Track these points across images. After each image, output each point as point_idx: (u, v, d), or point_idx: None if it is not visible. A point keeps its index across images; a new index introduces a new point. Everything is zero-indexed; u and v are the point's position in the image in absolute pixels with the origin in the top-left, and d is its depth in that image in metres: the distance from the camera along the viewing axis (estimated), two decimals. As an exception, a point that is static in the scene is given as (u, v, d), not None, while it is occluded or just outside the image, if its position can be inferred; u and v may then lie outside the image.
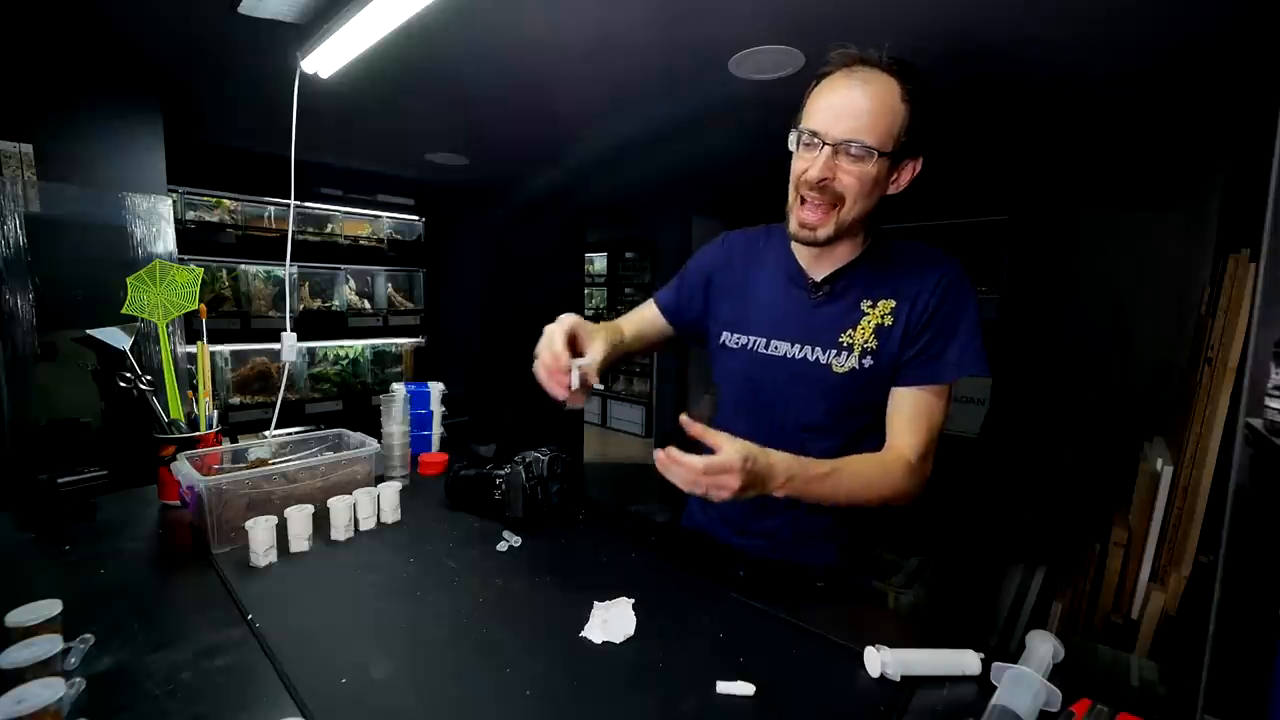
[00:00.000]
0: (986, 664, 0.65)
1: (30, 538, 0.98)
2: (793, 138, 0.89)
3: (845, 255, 0.97)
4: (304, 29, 1.38)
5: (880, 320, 0.93)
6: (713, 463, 0.75)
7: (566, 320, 0.90)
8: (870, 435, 0.97)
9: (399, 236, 3.24)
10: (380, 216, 3.14)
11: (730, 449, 0.76)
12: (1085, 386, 3.01)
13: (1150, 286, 2.83)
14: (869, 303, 0.94)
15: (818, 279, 0.97)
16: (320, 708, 0.58)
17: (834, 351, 0.94)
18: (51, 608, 0.64)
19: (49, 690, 0.52)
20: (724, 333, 1.05)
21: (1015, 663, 0.62)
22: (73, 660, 0.64)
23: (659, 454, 0.78)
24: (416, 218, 3.28)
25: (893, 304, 0.93)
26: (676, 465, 0.76)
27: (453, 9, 1.25)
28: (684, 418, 0.79)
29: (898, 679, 0.64)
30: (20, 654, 0.56)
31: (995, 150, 2.38)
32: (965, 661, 0.65)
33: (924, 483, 0.91)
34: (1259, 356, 1.01)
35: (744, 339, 1.02)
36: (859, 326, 0.94)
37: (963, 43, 1.45)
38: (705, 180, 3.21)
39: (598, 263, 5.89)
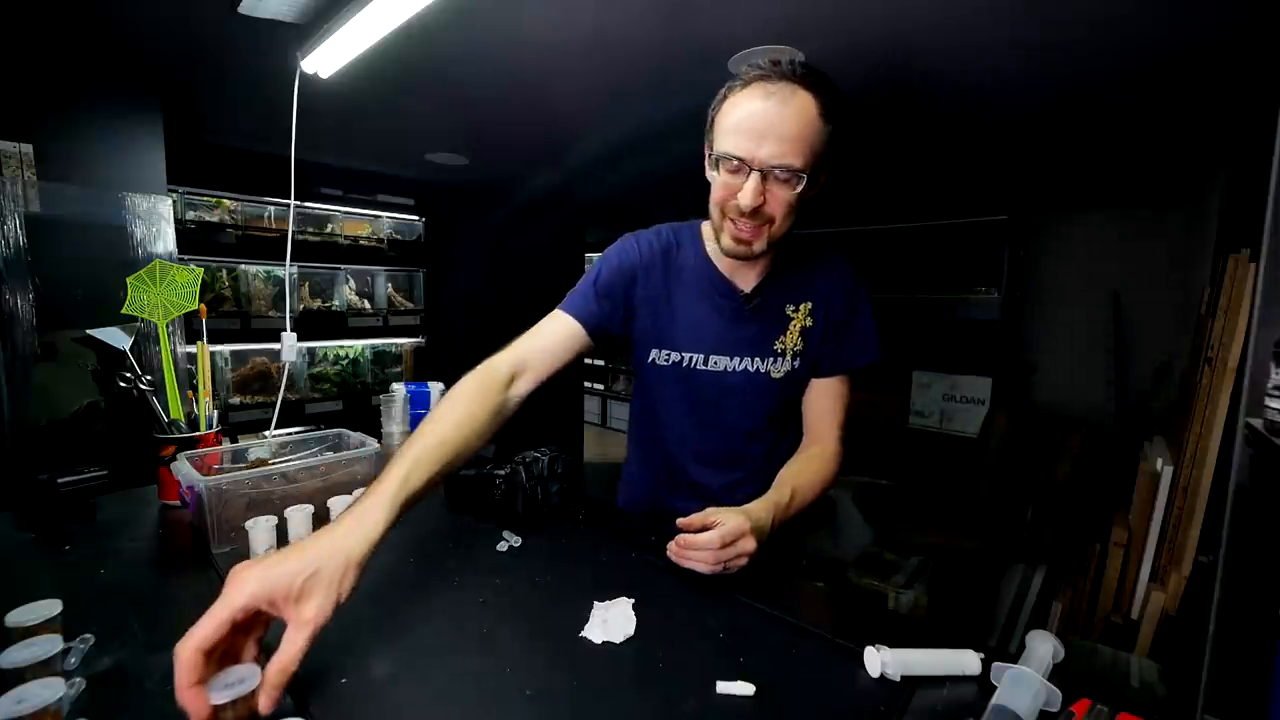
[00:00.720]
0: (986, 664, 0.65)
1: (30, 538, 0.98)
2: (710, 161, 0.87)
3: (766, 263, 0.98)
4: (304, 29, 1.38)
5: (803, 323, 0.99)
6: (727, 531, 0.76)
7: (244, 589, 0.53)
8: (791, 426, 1.06)
9: (399, 236, 3.24)
10: (380, 216, 3.14)
11: (732, 517, 0.78)
12: (1085, 386, 3.01)
13: (1150, 286, 2.83)
14: (792, 308, 0.99)
15: (746, 290, 0.98)
16: (320, 708, 0.58)
17: (771, 359, 0.99)
18: (51, 608, 0.64)
19: (49, 690, 0.51)
20: (652, 350, 1.02)
21: (1015, 663, 0.62)
22: (73, 660, 0.64)
23: (671, 547, 0.80)
24: (416, 218, 3.28)
25: (810, 305, 0.99)
26: (693, 549, 0.78)
27: (453, 9, 1.25)
28: (681, 521, 0.81)
29: (898, 679, 0.64)
30: (20, 654, 0.56)
31: (995, 150, 2.38)
32: (965, 661, 0.65)
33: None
34: (1259, 356, 1.01)
35: (675, 355, 1.00)
36: (788, 332, 0.99)
37: (961, 44, 1.45)
38: (704, 180, 3.21)
39: (598, 263, 5.89)
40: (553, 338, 0.97)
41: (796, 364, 0.99)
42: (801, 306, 0.99)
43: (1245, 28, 1.31)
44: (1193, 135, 2.08)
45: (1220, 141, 2.12)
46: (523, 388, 0.93)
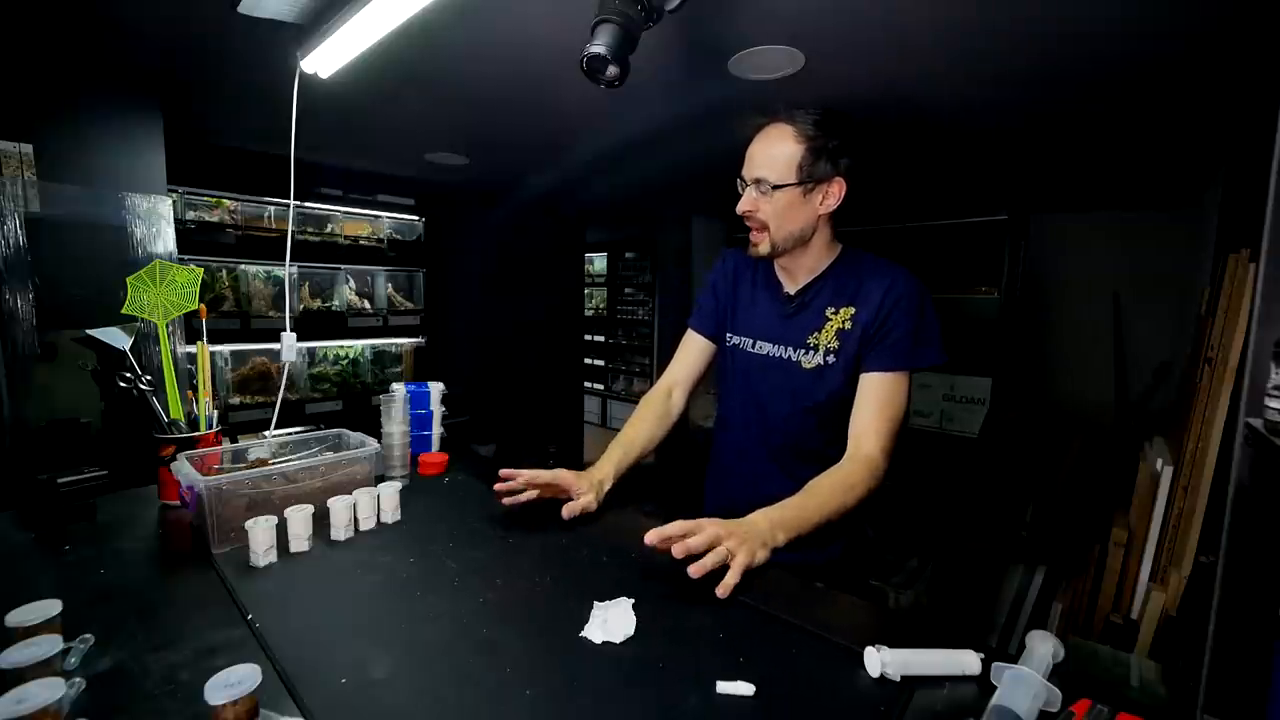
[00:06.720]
0: (986, 664, 0.65)
1: (30, 538, 0.98)
2: (738, 184, 1.13)
3: (813, 268, 1.14)
4: (304, 29, 1.38)
5: (841, 325, 1.10)
6: (690, 523, 0.84)
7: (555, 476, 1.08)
8: (835, 419, 1.11)
9: (399, 236, 3.23)
10: (380, 216, 3.14)
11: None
12: (1085, 386, 3.01)
13: (1150, 286, 2.83)
14: (832, 310, 1.11)
15: (791, 292, 1.16)
16: (320, 708, 0.58)
17: (803, 350, 1.12)
18: (51, 608, 0.64)
19: (49, 690, 0.51)
20: (729, 334, 1.23)
21: (1015, 663, 0.62)
22: (73, 660, 0.64)
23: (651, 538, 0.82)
24: (416, 218, 3.28)
25: (852, 310, 1.09)
26: (661, 533, 0.82)
27: (453, 9, 1.25)
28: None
29: (898, 679, 0.64)
30: (20, 654, 0.56)
31: (995, 151, 2.38)
32: (965, 661, 0.65)
33: (884, 474, 1.03)
34: (1259, 356, 1.01)
35: (738, 339, 1.22)
36: (823, 330, 1.11)
37: (961, 42, 1.45)
38: (705, 180, 3.21)
39: (598, 263, 5.87)
40: (692, 352, 1.28)
41: (829, 359, 1.09)
42: (842, 310, 1.10)
43: (1245, 27, 1.31)
44: (1193, 135, 2.08)
45: (1220, 141, 2.11)
46: (678, 396, 1.26)
